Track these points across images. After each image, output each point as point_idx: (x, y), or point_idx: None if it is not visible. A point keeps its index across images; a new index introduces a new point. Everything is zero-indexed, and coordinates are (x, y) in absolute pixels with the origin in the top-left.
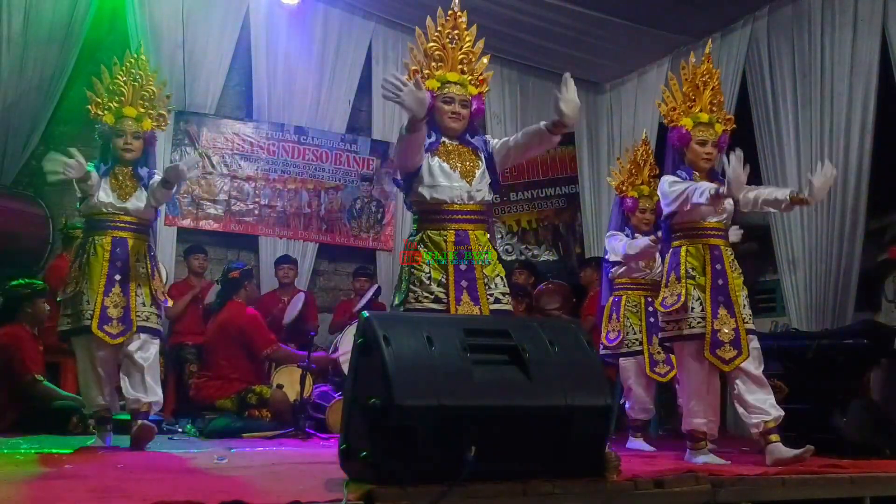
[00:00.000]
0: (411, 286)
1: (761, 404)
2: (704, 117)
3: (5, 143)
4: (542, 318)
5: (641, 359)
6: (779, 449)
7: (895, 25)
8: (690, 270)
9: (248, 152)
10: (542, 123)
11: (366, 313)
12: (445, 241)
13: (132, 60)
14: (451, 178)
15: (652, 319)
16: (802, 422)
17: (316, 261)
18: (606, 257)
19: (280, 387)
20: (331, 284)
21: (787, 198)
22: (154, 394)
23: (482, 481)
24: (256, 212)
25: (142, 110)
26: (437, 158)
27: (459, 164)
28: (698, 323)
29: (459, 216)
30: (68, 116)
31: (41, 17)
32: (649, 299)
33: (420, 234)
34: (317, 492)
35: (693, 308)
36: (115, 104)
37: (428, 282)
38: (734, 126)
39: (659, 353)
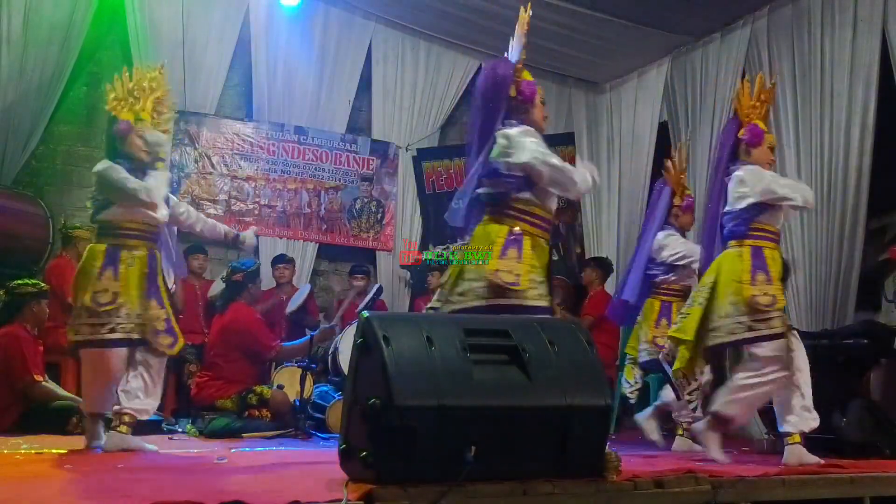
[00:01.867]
0: None
1: None
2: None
3: (5, 143)
4: (542, 317)
5: None
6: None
7: (895, 25)
8: (775, 276)
9: (248, 152)
10: None
11: (366, 313)
12: None
13: (159, 72)
14: None
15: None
16: None
17: (316, 261)
18: (653, 256)
19: (280, 387)
20: (331, 284)
21: None
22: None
23: (482, 481)
24: (256, 212)
25: (154, 120)
26: None
27: None
28: (781, 323)
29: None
30: (68, 116)
31: (41, 17)
32: None
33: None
34: (317, 492)
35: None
36: (133, 105)
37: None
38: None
39: None
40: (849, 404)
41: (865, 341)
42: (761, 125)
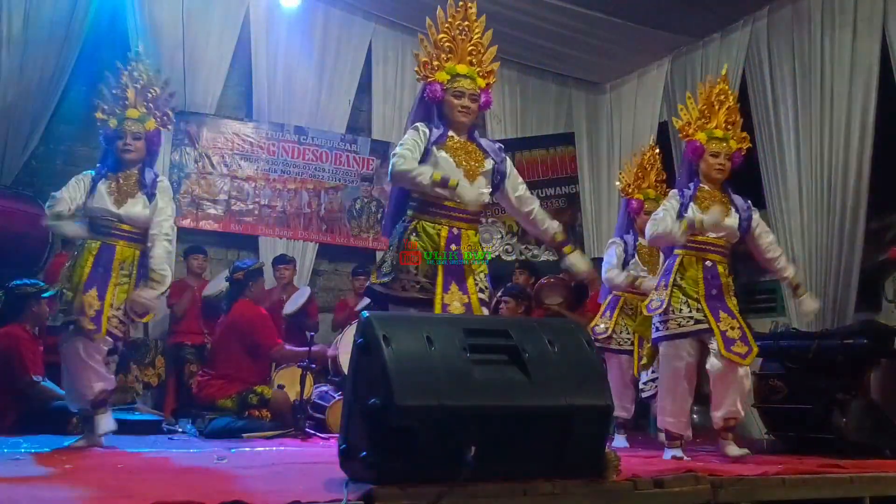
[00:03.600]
0: (399, 273)
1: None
2: (719, 133)
3: (5, 143)
4: (542, 317)
5: (628, 359)
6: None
7: (895, 25)
8: (679, 279)
9: (248, 152)
10: (554, 237)
11: (366, 313)
12: (439, 235)
13: (134, 63)
14: (454, 176)
15: None
16: (802, 422)
17: (316, 261)
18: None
19: (281, 387)
20: (331, 284)
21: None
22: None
23: (482, 481)
24: (256, 212)
25: (144, 111)
26: (443, 153)
27: (465, 163)
28: (687, 322)
29: (455, 213)
30: (68, 116)
31: (41, 17)
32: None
33: (414, 223)
34: (317, 492)
35: (681, 310)
36: (119, 109)
37: (416, 272)
38: (749, 145)
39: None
40: (849, 404)
41: (865, 341)
42: (701, 137)
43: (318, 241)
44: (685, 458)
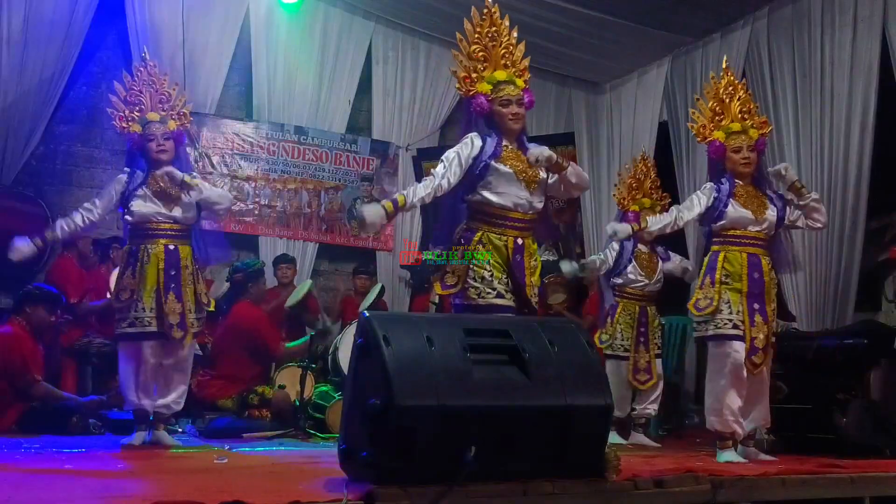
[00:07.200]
0: (472, 281)
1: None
2: (736, 126)
3: (5, 143)
4: (542, 316)
5: (625, 364)
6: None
7: (895, 25)
8: (724, 277)
9: (248, 152)
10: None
11: (366, 313)
12: (506, 246)
13: (142, 69)
14: (517, 186)
15: (642, 329)
16: (802, 422)
17: (316, 261)
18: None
19: (281, 387)
20: (331, 284)
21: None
22: (181, 403)
23: (482, 481)
24: (256, 212)
25: (163, 113)
26: (503, 165)
27: (524, 173)
28: (725, 325)
29: (520, 224)
30: (68, 116)
31: (41, 17)
32: (644, 309)
33: (480, 235)
34: (317, 492)
35: (721, 311)
36: (137, 113)
37: (490, 278)
38: (770, 127)
39: (640, 361)
40: (849, 404)
41: (865, 341)
42: (719, 135)
43: (318, 241)
44: (740, 459)
